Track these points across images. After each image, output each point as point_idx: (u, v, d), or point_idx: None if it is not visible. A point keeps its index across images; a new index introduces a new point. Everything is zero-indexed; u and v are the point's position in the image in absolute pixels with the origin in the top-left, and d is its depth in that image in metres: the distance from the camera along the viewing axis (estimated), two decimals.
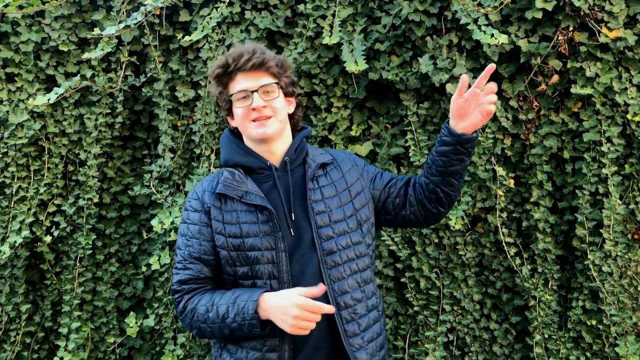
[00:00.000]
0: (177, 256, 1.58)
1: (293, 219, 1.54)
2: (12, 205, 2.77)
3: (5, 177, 2.78)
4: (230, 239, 1.51)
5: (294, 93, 1.66)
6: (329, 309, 1.38)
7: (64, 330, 2.71)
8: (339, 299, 1.52)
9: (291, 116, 1.66)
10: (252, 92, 1.52)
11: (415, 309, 2.60)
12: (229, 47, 2.72)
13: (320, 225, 1.54)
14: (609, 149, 2.40)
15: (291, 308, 1.36)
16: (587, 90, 2.38)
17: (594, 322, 2.45)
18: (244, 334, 1.45)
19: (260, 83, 1.53)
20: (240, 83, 1.54)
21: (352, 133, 2.66)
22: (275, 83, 1.56)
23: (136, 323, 2.69)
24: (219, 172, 1.62)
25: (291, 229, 1.53)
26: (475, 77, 2.52)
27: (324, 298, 1.49)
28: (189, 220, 1.58)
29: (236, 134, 1.67)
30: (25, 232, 2.69)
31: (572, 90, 2.40)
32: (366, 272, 1.60)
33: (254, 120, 1.53)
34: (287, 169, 1.59)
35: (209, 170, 2.68)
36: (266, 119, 1.53)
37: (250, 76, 1.53)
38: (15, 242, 2.65)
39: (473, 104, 1.51)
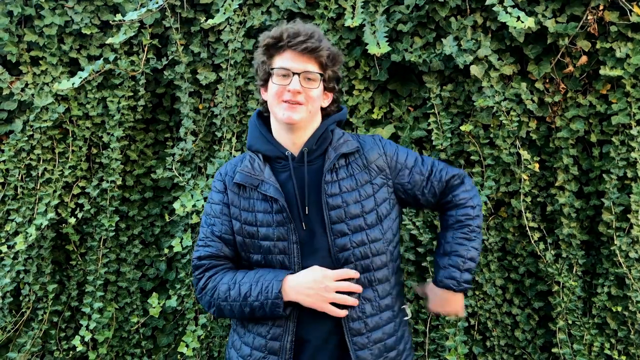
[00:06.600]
0: (200, 234, 1.59)
1: (307, 213, 1.50)
2: (38, 187, 2.82)
3: (31, 159, 2.82)
4: (246, 226, 1.51)
5: (334, 89, 1.60)
6: (357, 288, 1.46)
7: (87, 310, 2.77)
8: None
9: (323, 109, 1.61)
10: (294, 73, 1.47)
11: None
12: (250, 29, 2.71)
13: (334, 221, 1.49)
14: (638, 132, 2.34)
15: (322, 281, 1.42)
16: (617, 72, 2.32)
17: (619, 309, 2.41)
18: (265, 313, 1.45)
19: (306, 68, 1.48)
20: (286, 60, 1.49)
21: (374, 116, 2.64)
22: (320, 74, 1.51)
23: (159, 304, 2.73)
24: (244, 155, 1.62)
25: (303, 223, 1.49)
26: (500, 59, 2.47)
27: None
28: (212, 200, 1.59)
29: (263, 117, 1.64)
30: (51, 214, 2.73)
31: (601, 71, 2.34)
32: (382, 271, 1.53)
33: (284, 102, 1.49)
34: (304, 160, 1.54)
35: (230, 153, 2.69)
36: (297, 104, 1.48)
37: (298, 57, 1.48)
38: (41, 224, 2.70)
39: None
